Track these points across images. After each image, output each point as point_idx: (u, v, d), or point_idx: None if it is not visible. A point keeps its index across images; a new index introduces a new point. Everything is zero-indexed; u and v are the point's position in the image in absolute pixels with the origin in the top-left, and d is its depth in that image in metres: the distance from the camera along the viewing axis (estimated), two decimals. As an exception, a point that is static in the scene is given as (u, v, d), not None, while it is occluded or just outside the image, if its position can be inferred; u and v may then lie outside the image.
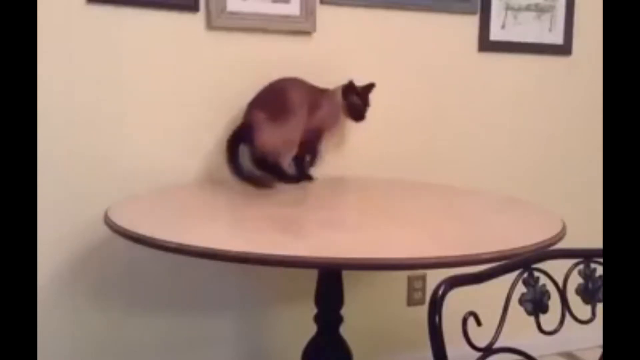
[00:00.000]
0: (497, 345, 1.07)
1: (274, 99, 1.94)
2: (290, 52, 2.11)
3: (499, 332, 1.08)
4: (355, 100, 2.01)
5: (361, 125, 2.15)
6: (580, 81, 2.56)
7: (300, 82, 2.01)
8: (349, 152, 2.17)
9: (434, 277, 1.06)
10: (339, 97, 2.01)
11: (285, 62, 2.09)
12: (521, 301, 1.10)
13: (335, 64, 2.14)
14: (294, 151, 1.98)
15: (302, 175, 2.04)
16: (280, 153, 1.93)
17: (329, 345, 1.78)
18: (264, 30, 2.06)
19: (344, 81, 2.00)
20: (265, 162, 1.91)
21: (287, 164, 1.98)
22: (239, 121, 2.00)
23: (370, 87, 2.03)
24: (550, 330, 1.11)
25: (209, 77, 2.03)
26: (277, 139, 1.91)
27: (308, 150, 2.05)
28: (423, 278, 2.38)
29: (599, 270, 1.16)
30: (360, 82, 2.01)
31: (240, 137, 1.92)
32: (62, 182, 1.90)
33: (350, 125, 2.10)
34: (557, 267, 1.14)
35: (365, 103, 2.02)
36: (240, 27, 2.04)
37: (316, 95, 2.01)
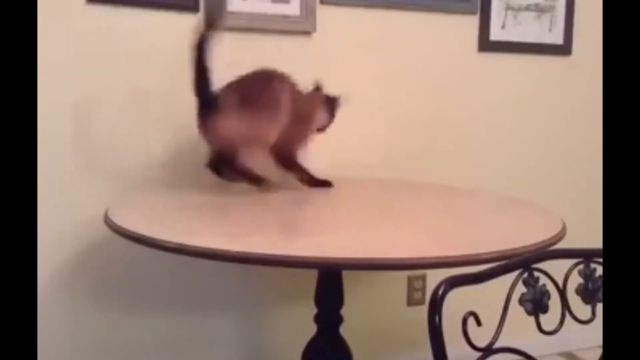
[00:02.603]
0: (497, 345, 1.06)
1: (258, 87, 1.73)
2: (290, 52, 2.11)
3: (499, 332, 1.07)
4: (327, 108, 1.89)
5: (361, 125, 2.15)
6: (580, 81, 2.56)
7: (289, 79, 1.83)
8: (349, 152, 2.17)
9: (434, 277, 1.06)
10: (317, 101, 1.89)
11: (285, 62, 2.08)
12: (521, 301, 1.10)
13: (335, 64, 2.13)
14: (256, 148, 1.75)
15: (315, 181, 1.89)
16: (236, 147, 1.69)
17: (329, 345, 1.78)
18: (264, 30, 2.06)
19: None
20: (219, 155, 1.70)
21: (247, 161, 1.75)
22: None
23: (335, 100, 1.89)
24: (550, 330, 1.11)
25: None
26: (239, 130, 1.65)
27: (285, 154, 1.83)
28: (423, 278, 2.38)
29: (599, 270, 1.15)
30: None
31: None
32: (62, 182, 1.90)
33: (350, 126, 2.10)
34: (557, 267, 1.14)
35: (332, 114, 1.90)
36: (240, 27, 2.03)
37: (300, 96, 1.84)
